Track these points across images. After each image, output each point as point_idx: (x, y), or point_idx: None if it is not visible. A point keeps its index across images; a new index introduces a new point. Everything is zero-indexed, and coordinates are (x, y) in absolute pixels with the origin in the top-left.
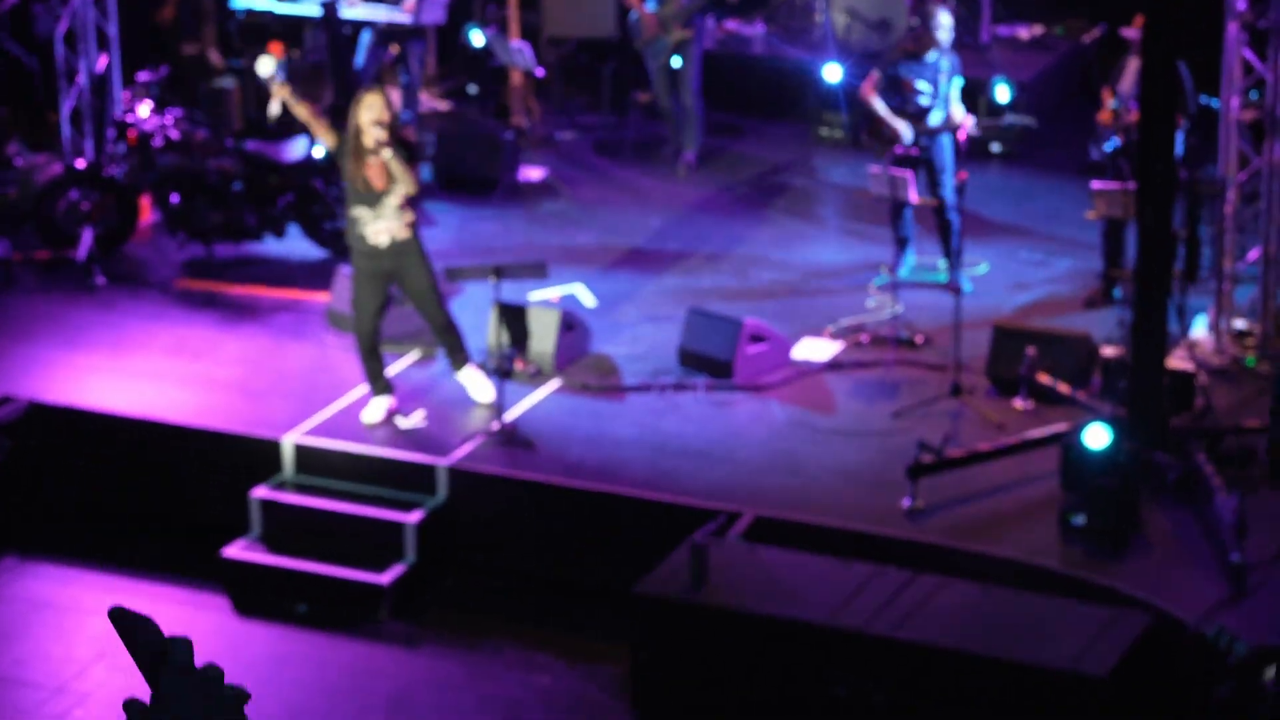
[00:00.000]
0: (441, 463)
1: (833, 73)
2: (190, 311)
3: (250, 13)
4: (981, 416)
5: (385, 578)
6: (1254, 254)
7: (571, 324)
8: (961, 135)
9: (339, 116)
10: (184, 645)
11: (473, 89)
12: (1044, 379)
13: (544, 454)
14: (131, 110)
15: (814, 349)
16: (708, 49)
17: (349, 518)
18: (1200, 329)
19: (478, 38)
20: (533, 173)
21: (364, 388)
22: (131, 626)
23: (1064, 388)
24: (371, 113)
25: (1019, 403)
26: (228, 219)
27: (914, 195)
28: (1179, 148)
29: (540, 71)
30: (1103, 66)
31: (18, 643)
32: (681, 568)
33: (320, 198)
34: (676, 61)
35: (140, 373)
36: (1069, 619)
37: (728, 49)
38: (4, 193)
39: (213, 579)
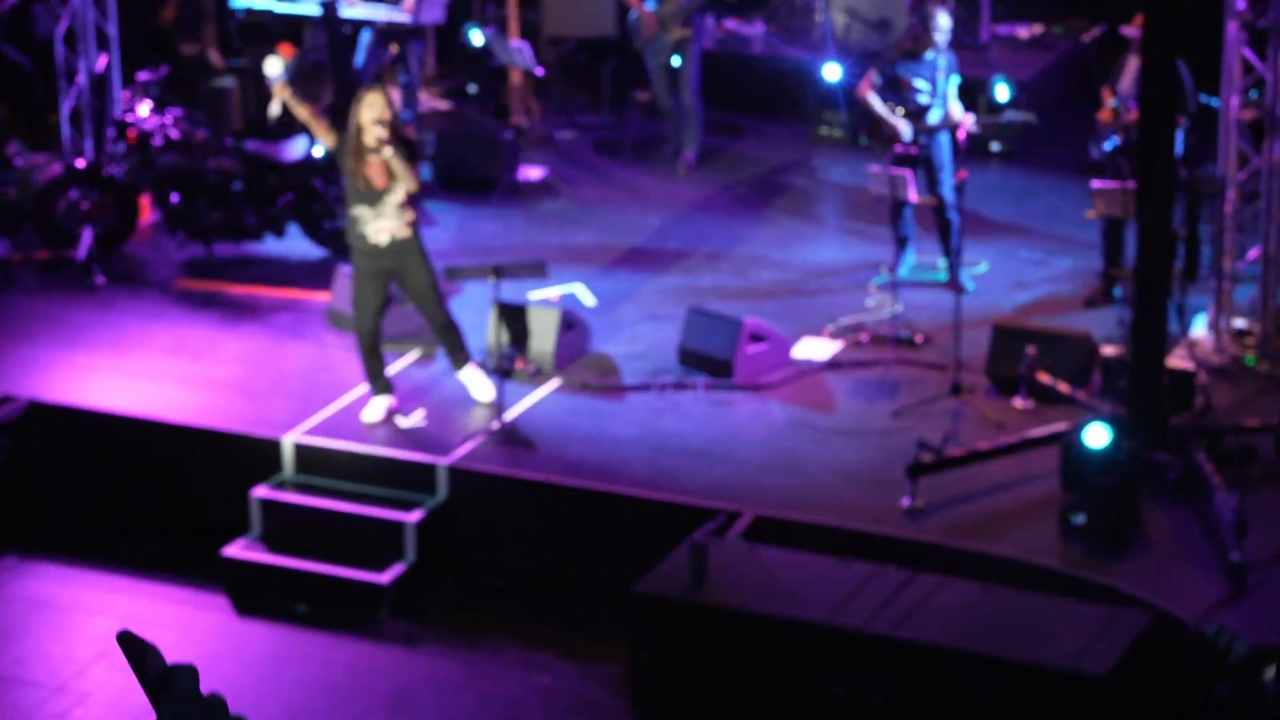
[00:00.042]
0: (441, 462)
1: (832, 72)
2: (190, 311)
3: (250, 12)
4: (981, 416)
5: (385, 577)
6: (1254, 253)
7: (571, 323)
8: (961, 134)
9: (339, 116)
10: (189, 673)
11: (472, 88)
12: (1044, 378)
13: (544, 453)
14: (131, 110)
15: (814, 348)
16: (707, 48)
17: (349, 517)
18: (1200, 328)
19: (477, 37)
20: (532, 172)
21: (364, 387)
22: (139, 652)
23: (1064, 387)
24: (373, 111)
25: (1019, 402)
26: (228, 218)
27: (913, 194)
28: (1179, 147)
29: (540, 71)
30: (1102, 65)
31: (18, 642)
32: (681, 567)
33: (320, 197)
34: (676, 60)
35: (140, 372)
36: (1069, 618)
37: (727, 48)
38: (4, 192)
39: (213, 578)
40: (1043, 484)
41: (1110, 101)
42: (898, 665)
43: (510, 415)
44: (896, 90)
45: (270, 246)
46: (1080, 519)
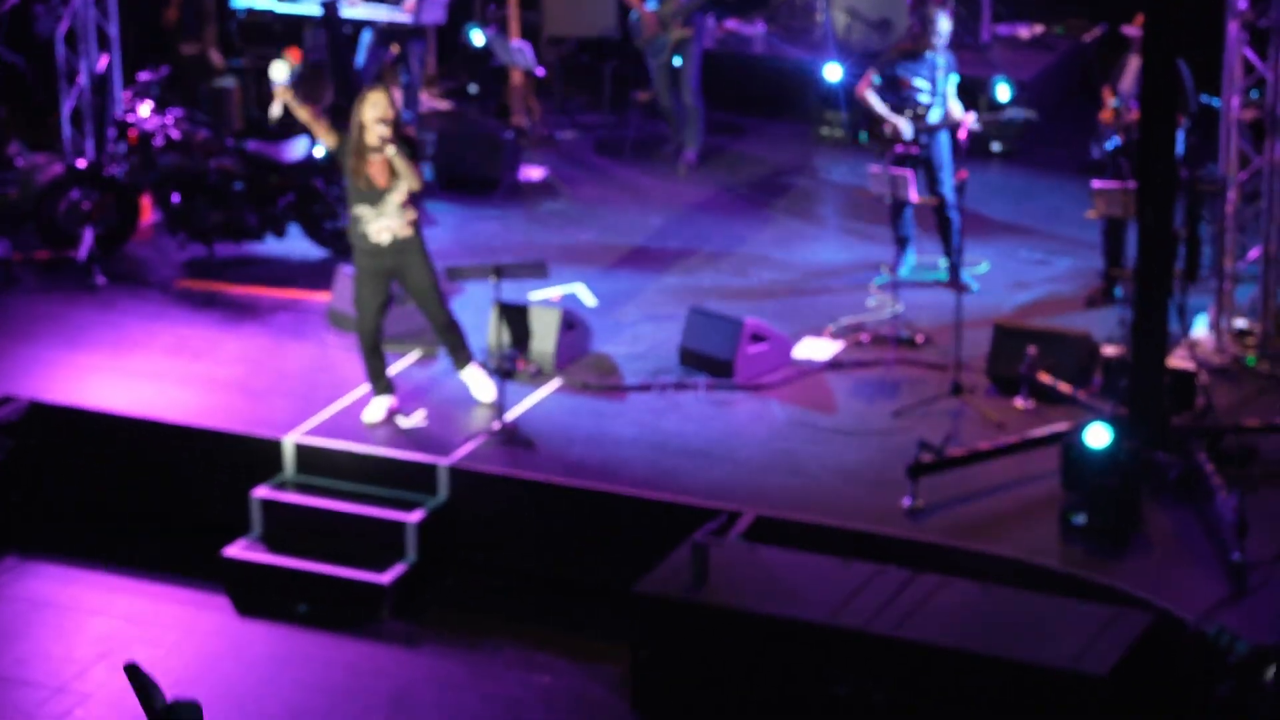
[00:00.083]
0: (442, 462)
1: (833, 72)
2: (191, 311)
3: (251, 12)
4: (982, 416)
5: (386, 577)
6: (1254, 253)
7: (572, 323)
8: (962, 133)
9: (339, 115)
10: (192, 710)
11: (473, 89)
12: (1045, 378)
13: (545, 453)
14: (132, 110)
15: (814, 348)
16: (708, 48)
17: (350, 517)
18: (1201, 328)
19: (478, 37)
20: (533, 172)
21: (365, 387)
22: (144, 685)
23: (1065, 387)
24: (376, 110)
25: (1020, 402)
26: (228, 219)
27: (914, 194)
28: (1179, 147)
29: (540, 71)
30: (1103, 65)
31: (18, 642)
32: (682, 567)
33: (321, 197)
34: (677, 60)
35: (141, 372)
36: (1069, 618)
37: (728, 48)
38: (5, 193)
39: (214, 579)
40: (1043, 484)
41: (1111, 101)
42: (898, 665)
43: (511, 415)
44: (896, 90)
45: (271, 247)
46: (1081, 519)
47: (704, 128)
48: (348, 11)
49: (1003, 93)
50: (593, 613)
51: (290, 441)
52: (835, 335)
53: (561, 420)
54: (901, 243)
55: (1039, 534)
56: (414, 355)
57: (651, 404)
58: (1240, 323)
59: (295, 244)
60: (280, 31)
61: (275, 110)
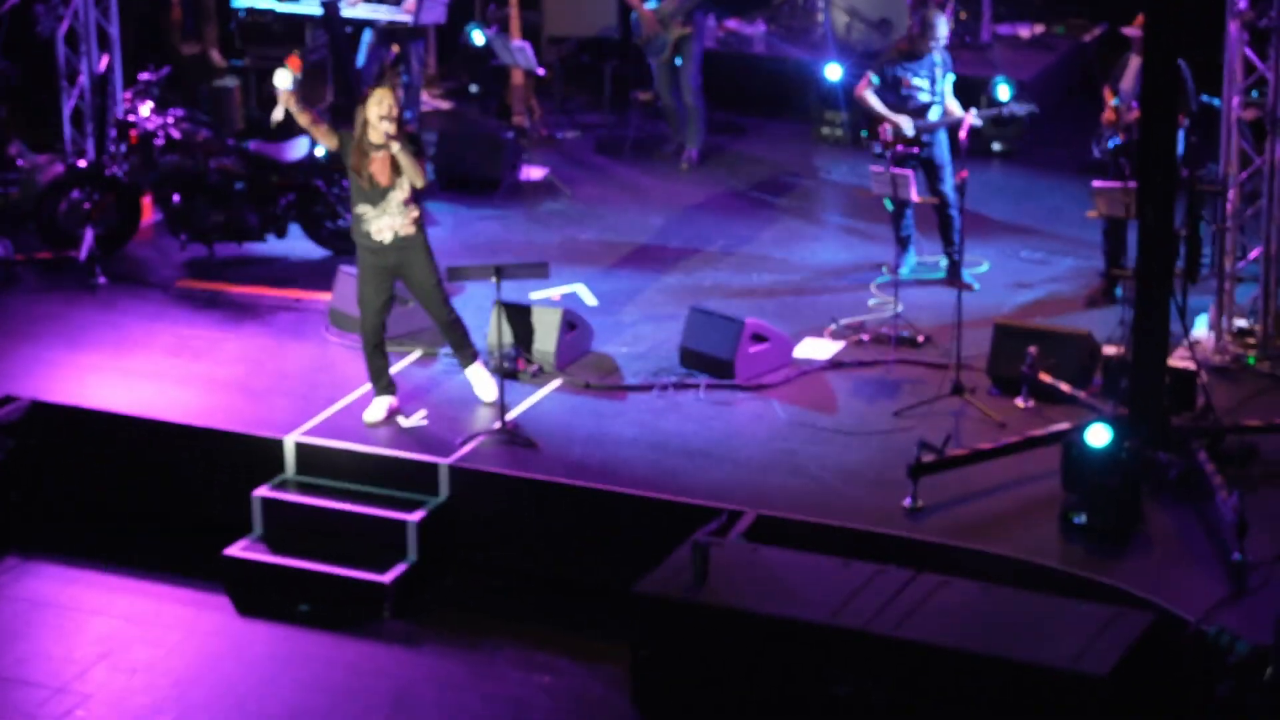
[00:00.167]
0: (443, 462)
1: (834, 72)
2: (192, 311)
3: (252, 12)
4: (983, 415)
5: (387, 577)
6: (1255, 253)
7: (573, 323)
8: (964, 132)
9: (340, 115)
10: None
11: (474, 88)
12: (1045, 378)
13: (545, 453)
14: (133, 110)
15: (815, 348)
16: (709, 48)
17: (351, 517)
18: (1201, 328)
19: (479, 37)
20: (534, 172)
21: (365, 387)
22: None
23: (1065, 387)
24: (380, 108)
25: (1020, 401)
26: (229, 219)
27: (915, 194)
28: (1180, 146)
29: (541, 71)
30: (1103, 65)
31: (19, 642)
32: (683, 567)
33: (322, 197)
34: (678, 59)
35: (142, 372)
36: (1069, 618)
37: (729, 48)
38: (6, 193)
39: (214, 579)
40: (1044, 484)
41: (1112, 101)
42: (898, 665)
43: (512, 415)
44: (895, 90)
45: (272, 247)
46: (1081, 518)
47: (704, 127)
48: (348, 11)
49: (1003, 92)
50: (593, 612)
51: (291, 441)
52: (836, 335)
53: (562, 420)
54: (902, 243)
55: (1039, 534)
56: (415, 355)
57: (652, 404)
58: (1241, 322)
59: (296, 244)
60: (280, 31)
61: (277, 115)
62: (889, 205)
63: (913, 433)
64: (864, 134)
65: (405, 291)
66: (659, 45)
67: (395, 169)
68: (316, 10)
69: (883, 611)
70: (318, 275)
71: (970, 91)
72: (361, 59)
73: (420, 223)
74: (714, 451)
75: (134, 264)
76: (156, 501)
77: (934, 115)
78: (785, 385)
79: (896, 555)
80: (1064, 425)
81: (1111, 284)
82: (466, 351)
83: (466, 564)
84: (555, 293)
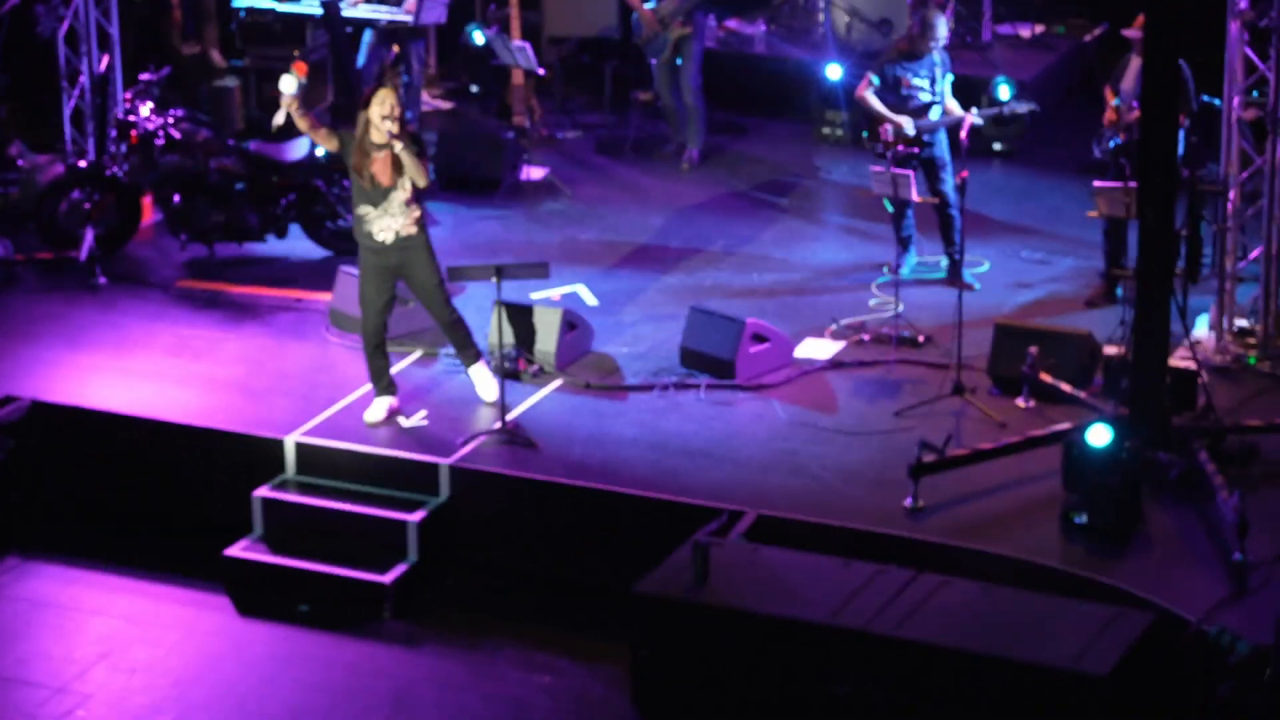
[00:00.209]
0: (444, 462)
1: (834, 72)
2: (192, 311)
3: (252, 12)
4: (983, 415)
5: (387, 577)
6: (1255, 253)
7: (573, 323)
8: (964, 132)
9: (340, 115)
10: None
11: (474, 88)
12: (1046, 378)
13: (546, 453)
14: (133, 110)
15: (816, 348)
16: (709, 48)
17: (351, 517)
18: (1202, 328)
19: (479, 37)
20: (534, 172)
21: (366, 387)
22: None
23: (1066, 387)
24: (382, 108)
25: (1021, 401)
26: (229, 219)
27: (915, 194)
28: (1180, 146)
29: (541, 71)
30: (1104, 65)
31: (19, 643)
32: (683, 567)
33: (322, 197)
34: (679, 59)
35: (142, 372)
36: (1070, 618)
37: (729, 48)
38: (6, 193)
39: (215, 579)
40: (1044, 484)
41: (1113, 101)
42: (899, 665)
43: (512, 415)
44: (896, 90)
45: (272, 247)
46: (1082, 518)
47: (705, 127)
48: (349, 11)
49: (1004, 92)
50: (593, 613)
51: (291, 441)
52: (836, 335)
53: (562, 420)
54: (903, 243)
55: (1040, 534)
56: (415, 355)
57: (652, 404)
58: (1241, 322)
59: (296, 244)
60: (281, 31)
61: (278, 120)
62: (889, 206)
63: (913, 433)
64: (865, 135)
65: (406, 292)
66: (659, 45)
67: (397, 169)
68: (317, 10)
69: (883, 611)
70: (318, 275)
71: (971, 91)
72: (362, 59)
73: (422, 223)
74: (714, 451)
75: (134, 264)
76: (157, 501)
77: (935, 115)
78: (786, 385)
79: (897, 555)
80: (1065, 425)
81: (1112, 284)
82: (470, 351)
83: (467, 564)
84: (556, 293)
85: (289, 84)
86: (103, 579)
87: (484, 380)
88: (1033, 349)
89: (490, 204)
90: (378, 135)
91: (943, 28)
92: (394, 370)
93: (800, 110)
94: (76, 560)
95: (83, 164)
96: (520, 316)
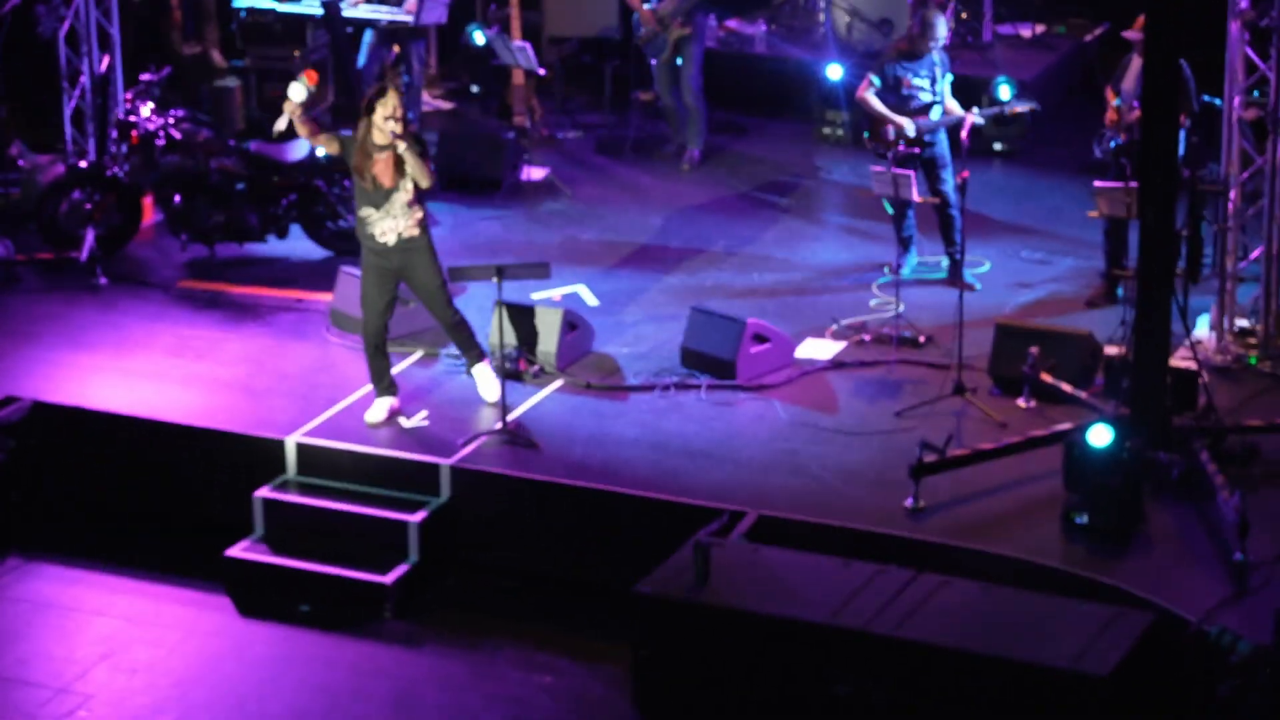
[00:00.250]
0: (444, 462)
1: (835, 72)
2: (193, 312)
3: (252, 12)
4: (984, 415)
5: (388, 577)
6: (1256, 253)
7: (574, 323)
8: (965, 131)
9: (340, 115)
10: None
11: (475, 88)
12: (1047, 378)
13: (547, 453)
14: (134, 110)
15: (816, 348)
16: (710, 48)
17: (352, 517)
18: (1203, 328)
19: (479, 37)
20: (535, 172)
21: (367, 388)
22: None
23: (1067, 387)
24: (385, 109)
25: (1022, 402)
26: (230, 219)
27: (916, 194)
28: (1181, 146)
29: (542, 71)
30: (1104, 65)
31: (20, 643)
32: (684, 567)
33: (323, 198)
34: (679, 59)
35: (143, 373)
36: (1070, 618)
37: (730, 48)
38: (7, 193)
39: (215, 579)
40: (1045, 484)
41: (1114, 101)
42: (899, 665)
43: (513, 415)
44: (896, 91)
45: (273, 247)
46: (1083, 518)
47: (705, 127)
48: (349, 11)
49: (1004, 92)
50: (594, 613)
51: (292, 442)
52: (837, 335)
53: (563, 420)
54: (904, 243)
55: (1041, 534)
56: (416, 355)
57: (653, 404)
58: (1242, 322)
59: (297, 244)
60: (281, 31)
61: (280, 125)
62: (889, 208)
63: (914, 433)
64: (866, 135)
65: (407, 292)
66: (659, 45)
67: (398, 170)
68: (317, 10)
69: (883, 611)
70: (319, 276)
71: (972, 91)
72: (362, 59)
73: (424, 224)
74: (715, 452)
75: (135, 264)
76: (157, 502)
77: (935, 115)
78: (787, 385)
79: (897, 555)
80: (1065, 425)
81: (1113, 284)
82: (473, 352)
83: (468, 564)
84: (556, 293)
85: (298, 92)
86: (104, 579)
87: (487, 380)
88: (1033, 349)
89: (491, 204)
90: (380, 136)
91: (942, 28)
92: (395, 371)
93: (801, 110)
94: (77, 561)
95: (83, 164)
96: (521, 317)
